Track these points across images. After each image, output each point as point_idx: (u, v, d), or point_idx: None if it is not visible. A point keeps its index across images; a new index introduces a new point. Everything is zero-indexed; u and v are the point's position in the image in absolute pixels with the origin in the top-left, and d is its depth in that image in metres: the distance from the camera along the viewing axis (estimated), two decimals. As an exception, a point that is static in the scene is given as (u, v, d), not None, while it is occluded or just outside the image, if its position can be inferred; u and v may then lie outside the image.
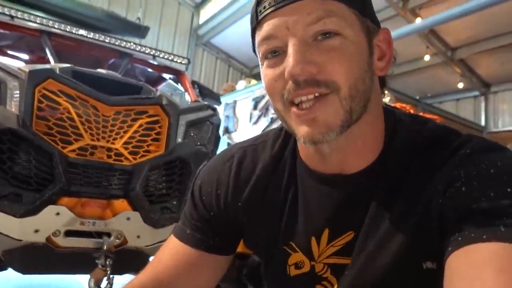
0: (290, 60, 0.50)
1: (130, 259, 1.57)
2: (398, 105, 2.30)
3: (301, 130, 0.52)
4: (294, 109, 0.52)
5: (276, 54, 0.53)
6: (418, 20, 6.24)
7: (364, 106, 0.53)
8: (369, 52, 0.54)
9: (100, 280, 1.46)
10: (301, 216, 0.62)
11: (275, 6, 0.52)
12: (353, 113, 0.52)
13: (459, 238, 0.45)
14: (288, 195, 0.64)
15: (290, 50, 0.50)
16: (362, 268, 0.56)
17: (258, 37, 0.55)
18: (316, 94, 0.50)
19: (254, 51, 0.58)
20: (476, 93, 8.92)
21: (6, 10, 2.53)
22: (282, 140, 0.67)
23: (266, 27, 0.52)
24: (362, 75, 0.52)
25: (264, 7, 0.53)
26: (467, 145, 0.53)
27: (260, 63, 0.57)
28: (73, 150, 1.47)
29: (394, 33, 4.04)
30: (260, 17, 0.53)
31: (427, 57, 7.27)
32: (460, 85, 8.53)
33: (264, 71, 0.55)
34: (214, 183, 0.68)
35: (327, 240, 0.60)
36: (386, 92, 0.64)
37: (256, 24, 0.55)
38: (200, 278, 0.69)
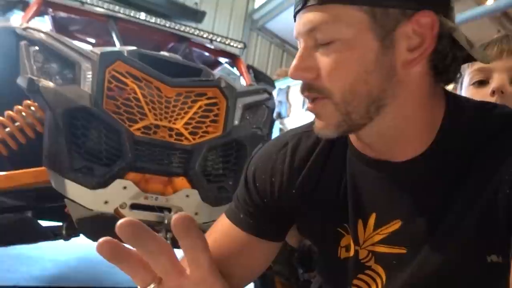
0: (292, 63, 0.54)
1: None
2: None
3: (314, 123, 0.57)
4: (308, 103, 0.57)
5: None
6: (490, 2, 5.77)
7: (371, 104, 0.52)
8: (381, 49, 0.50)
9: (161, 252, 1.55)
10: (351, 198, 0.62)
11: (295, 10, 0.55)
12: (353, 114, 0.52)
13: None
14: (339, 178, 0.64)
15: (297, 53, 0.54)
16: (421, 262, 0.54)
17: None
18: (312, 97, 0.54)
19: None
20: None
21: (77, -4, 2.69)
22: None
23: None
24: (362, 78, 0.51)
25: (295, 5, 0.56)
26: None
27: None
28: (138, 129, 1.56)
29: (462, 16, 3.77)
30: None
31: (497, 42, 6.73)
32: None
33: None
34: (268, 171, 0.68)
35: (374, 226, 0.59)
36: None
37: (294, 17, 0.58)
38: (251, 261, 0.69)
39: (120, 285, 2.51)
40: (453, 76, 0.57)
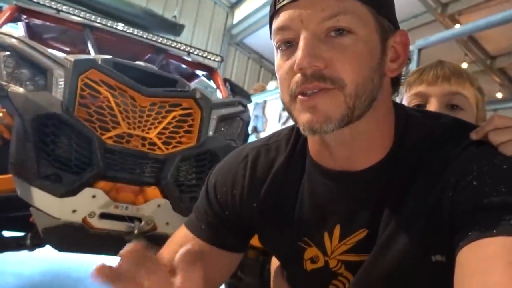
0: (299, 53, 0.50)
1: (159, 245, 1.62)
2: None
3: (302, 118, 0.53)
4: (299, 96, 0.53)
5: (289, 45, 0.54)
6: (457, 26, 6.07)
7: (369, 104, 0.54)
8: (381, 53, 0.54)
9: (130, 263, 1.52)
10: (313, 211, 0.63)
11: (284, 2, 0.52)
12: (356, 110, 0.52)
13: (469, 233, 0.45)
14: (298, 192, 0.64)
15: (301, 43, 0.51)
16: (372, 261, 0.56)
17: (274, 25, 0.55)
18: (322, 88, 0.51)
19: (271, 38, 0.59)
20: (516, 104, 8.56)
21: (53, 4, 2.66)
22: (294, 138, 0.68)
23: (282, 17, 0.53)
24: (371, 75, 0.52)
25: None
26: (481, 141, 0.53)
27: (275, 51, 0.58)
28: (111, 137, 1.54)
29: (431, 39, 3.95)
30: (278, 6, 0.54)
31: (464, 65, 7.04)
32: (499, 95, 8.21)
33: (278, 61, 0.56)
34: (229, 183, 0.69)
35: (339, 237, 0.60)
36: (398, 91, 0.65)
37: (273, 12, 0.55)
38: (212, 273, 0.69)
39: (87, 300, 2.42)
40: (398, 89, 0.63)
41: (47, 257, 1.92)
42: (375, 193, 0.57)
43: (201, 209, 0.71)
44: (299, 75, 0.52)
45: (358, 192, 0.59)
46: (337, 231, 0.60)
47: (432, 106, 0.90)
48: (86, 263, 3.10)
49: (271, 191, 0.65)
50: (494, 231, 0.43)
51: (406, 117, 0.60)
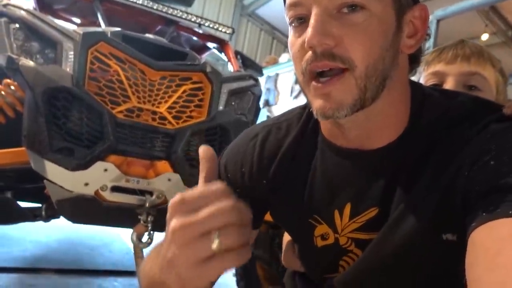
0: (309, 30, 0.49)
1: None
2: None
3: (316, 104, 0.53)
4: (313, 82, 0.52)
5: (301, 21, 0.53)
6: (479, -4, 5.80)
7: (381, 84, 0.53)
8: (396, 29, 0.52)
9: (142, 235, 1.56)
10: (324, 189, 0.63)
11: None
12: (368, 91, 0.51)
13: (484, 214, 0.44)
14: (310, 170, 0.64)
15: (312, 20, 0.50)
16: (382, 238, 0.56)
17: (287, 1, 0.54)
18: (332, 68, 0.51)
19: (285, 13, 0.58)
20: (536, 77, 8.29)
21: (62, -26, 2.62)
22: (306, 117, 0.67)
23: None
24: (383, 54, 0.51)
25: None
26: (500, 119, 0.52)
27: (289, 27, 0.57)
28: (121, 111, 1.54)
29: (451, 9, 3.79)
30: None
31: (485, 36, 6.79)
32: (519, 68, 7.95)
33: (291, 38, 0.55)
34: (238, 161, 0.69)
35: (349, 215, 0.60)
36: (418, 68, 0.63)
37: None
38: None
39: (101, 267, 2.52)
40: (417, 67, 0.61)
41: (63, 226, 1.99)
42: (388, 172, 0.57)
43: None
44: (310, 52, 0.51)
45: (371, 171, 0.58)
46: (347, 209, 0.61)
47: (449, 85, 0.87)
48: (100, 232, 3.21)
49: (282, 169, 0.66)
50: (510, 212, 0.42)
51: (423, 95, 0.59)
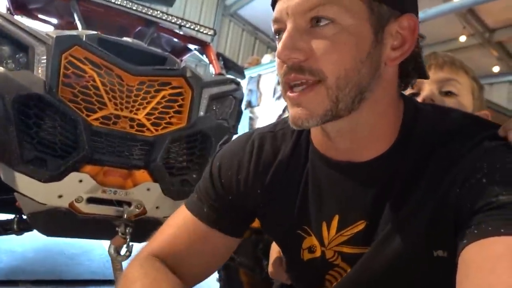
0: (279, 45, 0.52)
1: (149, 229, 1.61)
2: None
3: (290, 112, 0.55)
4: (288, 92, 0.54)
5: (281, 35, 0.55)
6: (457, -2, 5.92)
7: (358, 96, 0.53)
8: (374, 42, 0.52)
9: (120, 247, 1.50)
10: (313, 200, 0.63)
11: None
12: (341, 103, 0.52)
13: (475, 231, 0.44)
14: (301, 180, 0.65)
15: (283, 35, 0.52)
16: (372, 254, 0.56)
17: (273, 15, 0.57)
18: (303, 81, 0.52)
19: None
20: (512, 78, 8.51)
21: (36, -27, 2.53)
22: None
23: (276, 10, 0.55)
24: (357, 66, 0.51)
25: None
26: (493, 138, 0.52)
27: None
28: (97, 119, 1.49)
29: (430, 11, 3.85)
30: None
31: (462, 38, 6.94)
32: (496, 69, 8.15)
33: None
34: (234, 167, 0.69)
35: (337, 228, 0.61)
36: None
37: (272, 3, 0.57)
38: (211, 256, 0.71)
39: (80, 277, 2.43)
40: (411, 81, 0.60)
41: (39, 235, 1.91)
42: (378, 185, 0.57)
43: (204, 192, 0.71)
44: (285, 66, 0.53)
45: (360, 183, 0.58)
46: (335, 221, 0.61)
47: (425, 92, 0.89)
48: (81, 240, 3.11)
49: (276, 178, 0.66)
50: (502, 230, 0.42)
51: (416, 109, 0.59)
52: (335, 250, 0.61)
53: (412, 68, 0.58)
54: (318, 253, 0.63)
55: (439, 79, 0.89)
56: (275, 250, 0.91)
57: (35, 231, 1.76)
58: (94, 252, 3.03)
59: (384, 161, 0.56)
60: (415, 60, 0.58)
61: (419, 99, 0.89)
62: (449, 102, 0.88)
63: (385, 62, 0.54)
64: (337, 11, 0.50)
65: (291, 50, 0.51)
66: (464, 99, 0.90)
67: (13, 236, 2.03)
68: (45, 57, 1.47)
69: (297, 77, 0.52)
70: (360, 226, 0.58)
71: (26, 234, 1.99)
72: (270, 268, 0.90)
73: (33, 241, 2.88)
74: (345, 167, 0.59)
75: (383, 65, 0.53)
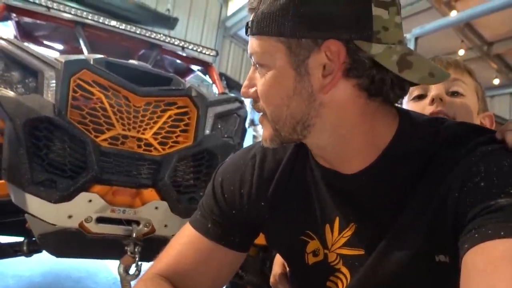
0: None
1: (158, 247, 1.61)
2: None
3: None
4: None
5: None
6: (454, 13, 6.01)
7: (297, 125, 0.57)
8: (297, 77, 0.54)
9: (129, 267, 1.50)
10: (316, 205, 0.64)
11: None
12: (281, 131, 0.58)
13: (476, 235, 0.45)
14: (304, 187, 0.66)
15: None
16: (375, 262, 0.56)
17: None
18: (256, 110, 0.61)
19: None
20: (513, 90, 8.54)
21: (43, 1, 2.61)
22: None
23: None
24: (285, 102, 0.56)
25: None
26: (489, 142, 0.53)
27: None
28: (105, 139, 1.51)
29: (428, 27, 3.91)
30: None
31: (461, 52, 7.01)
32: (496, 81, 8.19)
33: None
34: (237, 182, 0.69)
35: (339, 229, 0.62)
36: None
37: None
38: (217, 272, 0.70)
39: (88, 300, 2.42)
40: (393, 95, 0.56)
41: (47, 258, 1.91)
42: (364, 194, 0.58)
43: (207, 208, 0.71)
44: None
45: (348, 191, 0.60)
46: (336, 223, 0.62)
47: (434, 91, 0.89)
48: (87, 263, 3.10)
49: (279, 189, 0.67)
50: (502, 233, 0.43)
51: (410, 120, 0.60)
52: (337, 253, 0.62)
53: (380, 84, 0.54)
54: (321, 256, 0.64)
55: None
56: (278, 262, 0.91)
57: (42, 254, 1.76)
58: (100, 275, 3.01)
59: (366, 175, 0.57)
60: (379, 75, 0.53)
61: (428, 99, 0.89)
62: (456, 102, 0.89)
63: (320, 91, 0.54)
64: (262, 57, 0.56)
65: (247, 88, 0.60)
66: (470, 100, 0.91)
67: (21, 260, 2.03)
68: (54, 81, 1.51)
69: (256, 108, 0.61)
70: (352, 228, 0.60)
71: (33, 258, 1.99)
72: (271, 279, 0.90)
73: (40, 265, 2.87)
74: (334, 177, 0.61)
75: (319, 94, 0.54)
